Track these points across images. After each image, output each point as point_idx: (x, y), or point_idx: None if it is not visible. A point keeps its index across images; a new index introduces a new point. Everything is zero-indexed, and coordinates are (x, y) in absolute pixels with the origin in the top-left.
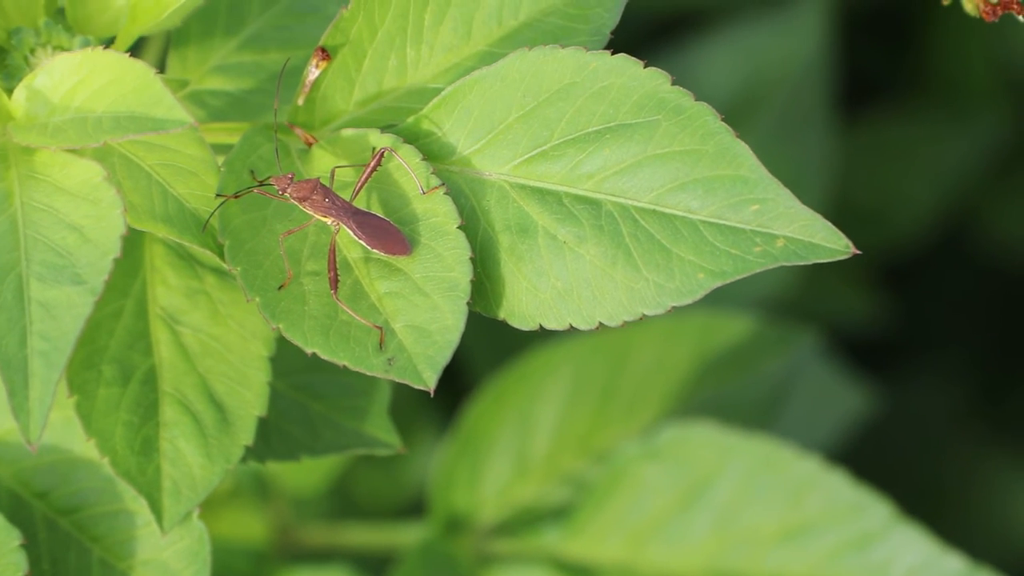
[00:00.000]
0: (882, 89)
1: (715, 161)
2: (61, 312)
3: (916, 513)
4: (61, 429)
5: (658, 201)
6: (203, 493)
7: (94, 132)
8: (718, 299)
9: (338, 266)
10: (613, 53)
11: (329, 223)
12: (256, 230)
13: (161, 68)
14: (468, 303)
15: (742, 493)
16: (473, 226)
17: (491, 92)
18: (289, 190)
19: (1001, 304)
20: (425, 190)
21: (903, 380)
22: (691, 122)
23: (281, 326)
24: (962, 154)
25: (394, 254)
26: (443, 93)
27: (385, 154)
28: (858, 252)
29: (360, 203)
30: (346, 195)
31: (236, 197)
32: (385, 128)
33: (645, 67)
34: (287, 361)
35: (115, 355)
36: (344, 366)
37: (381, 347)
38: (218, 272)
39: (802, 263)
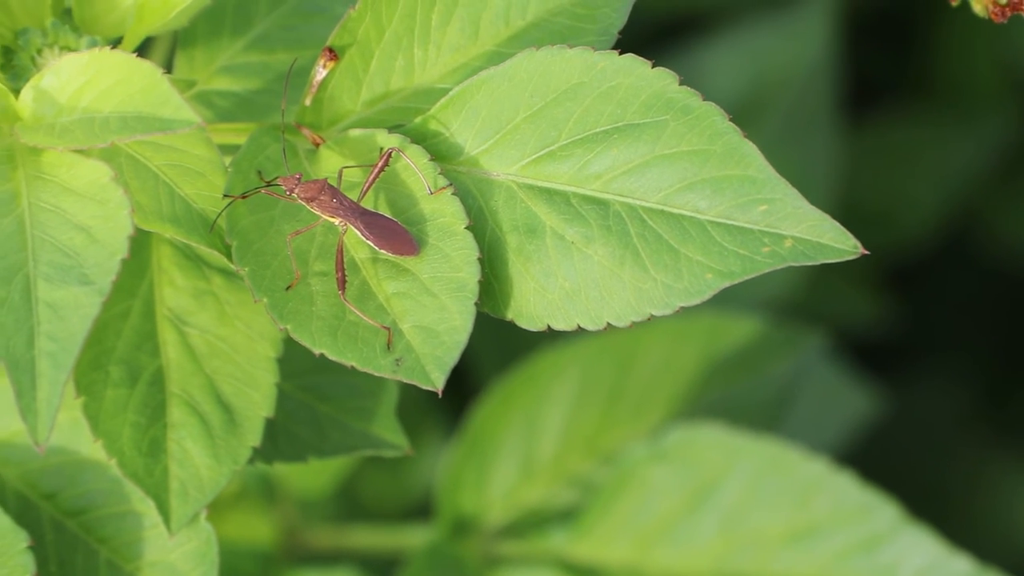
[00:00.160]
0: (887, 91)
1: (723, 161)
2: (69, 313)
3: (921, 516)
4: (68, 430)
5: (666, 201)
6: (211, 494)
7: (101, 132)
8: (724, 300)
9: (346, 267)
10: (620, 53)
11: (337, 223)
12: (263, 231)
13: (168, 68)
14: (476, 304)
15: (750, 494)
16: (481, 226)
17: (499, 92)
18: (296, 190)
19: (1006, 307)
20: (433, 190)
21: (908, 383)
22: (699, 122)
23: (289, 327)
24: (967, 157)
25: (402, 254)
26: (451, 93)
27: (393, 154)
28: (866, 252)
29: (368, 203)
30: (354, 195)
31: (243, 198)
32: (392, 128)
33: (653, 67)
34: (294, 362)
35: (122, 356)
36: (352, 367)
37: (389, 348)
38: (225, 273)
39: (810, 263)
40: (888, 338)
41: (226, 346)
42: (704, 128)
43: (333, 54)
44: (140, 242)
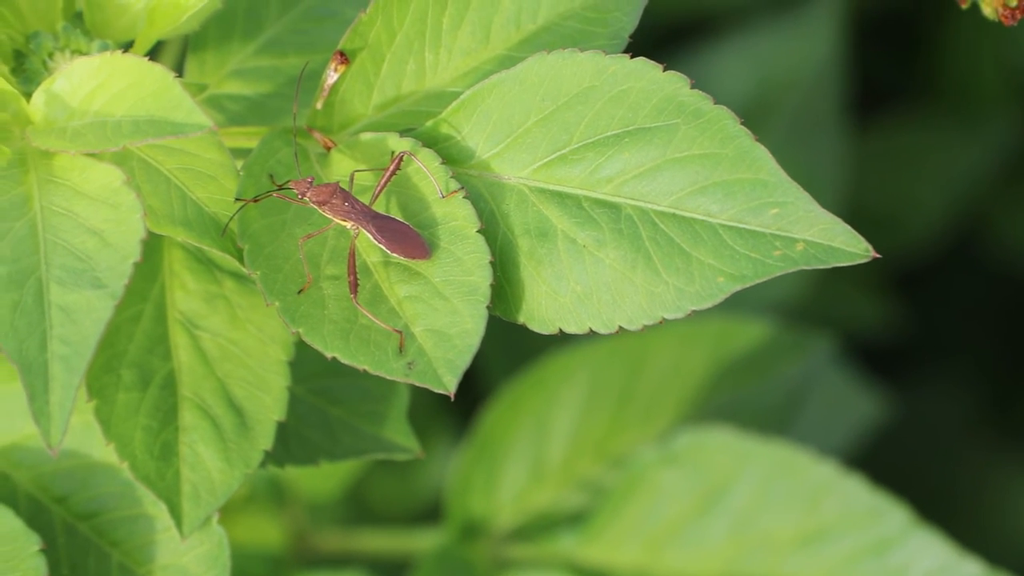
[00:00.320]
0: (893, 95)
1: (734, 165)
2: (81, 316)
3: (927, 519)
4: (80, 434)
5: (678, 205)
6: (223, 497)
7: (113, 136)
8: (732, 304)
9: (358, 270)
10: (631, 57)
11: (348, 227)
12: (275, 234)
13: (179, 72)
14: (488, 307)
15: (759, 498)
16: (492, 230)
17: (510, 96)
18: (308, 194)
19: (1012, 311)
20: (444, 194)
21: (914, 386)
22: (710, 126)
23: (301, 330)
24: (973, 160)
25: (413, 258)
26: (462, 97)
27: (404, 158)
28: (878, 256)
29: (379, 207)
30: (365, 199)
31: (255, 201)
32: (404, 132)
33: (664, 71)
34: (305, 366)
35: (134, 359)
36: (364, 370)
37: (401, 351)
38: (237, 276)
39: (822, 267)
40: (894, 342)
41: (238, 349)
42: (715, 132)
43: (344, 58)
44: (151, 246)
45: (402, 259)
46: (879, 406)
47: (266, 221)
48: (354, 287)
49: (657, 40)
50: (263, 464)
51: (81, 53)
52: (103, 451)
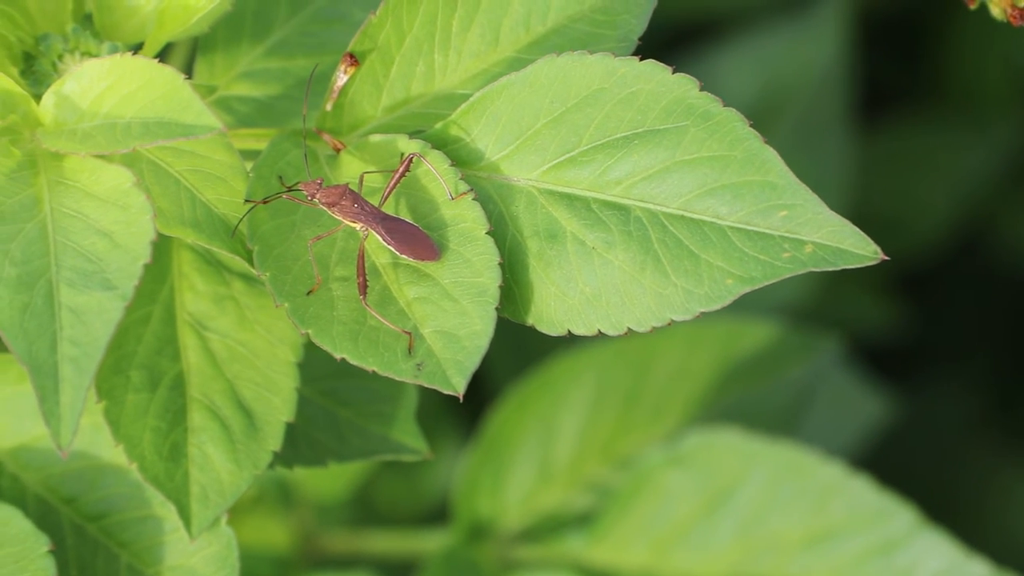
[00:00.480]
0: (899, 97)
1: (743, 167)
2: (91, 318)
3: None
4: (89, 435)
5: (687, 207)
6: (231, 498)
7: (123, 138)
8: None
9: (367, 271)
10: (640, 59)
11: (358, 228)
12: (285, 235)
13: (188, 74)
14: (497, 308)
15: (766, 499)
16: (501, 232)
17: (519, 98)
18: (318, 195)
19: (1018, 312)
20: (454, 196)
21: (919, 388)
22: (719, 128)
23: (310, 331)
24: (980, 162)
25: (423, 259)
26: (471, 99)
27: (414, 160)
28: (886, 258)
29: (388, 208)
30: (375, 201)
31: (265, 203)
32: (413, 134)
33: (673, 73)
34: (314, 367)
35: (143, 361)
36: (373, 371)
37: (410, 352)
38: (245, 278)
39: (831, 269)
40: (900, 343)
41: (246, 351)
42: (724, 134)
43: (354, 59)
44: (160, 247)
45: (411, 261)
46: (885, 407)
47: (275, 223)
48: (363, 288)
49: (662, 43)
50: (271, 465)
51: (91, 55)
52: (112, 452)
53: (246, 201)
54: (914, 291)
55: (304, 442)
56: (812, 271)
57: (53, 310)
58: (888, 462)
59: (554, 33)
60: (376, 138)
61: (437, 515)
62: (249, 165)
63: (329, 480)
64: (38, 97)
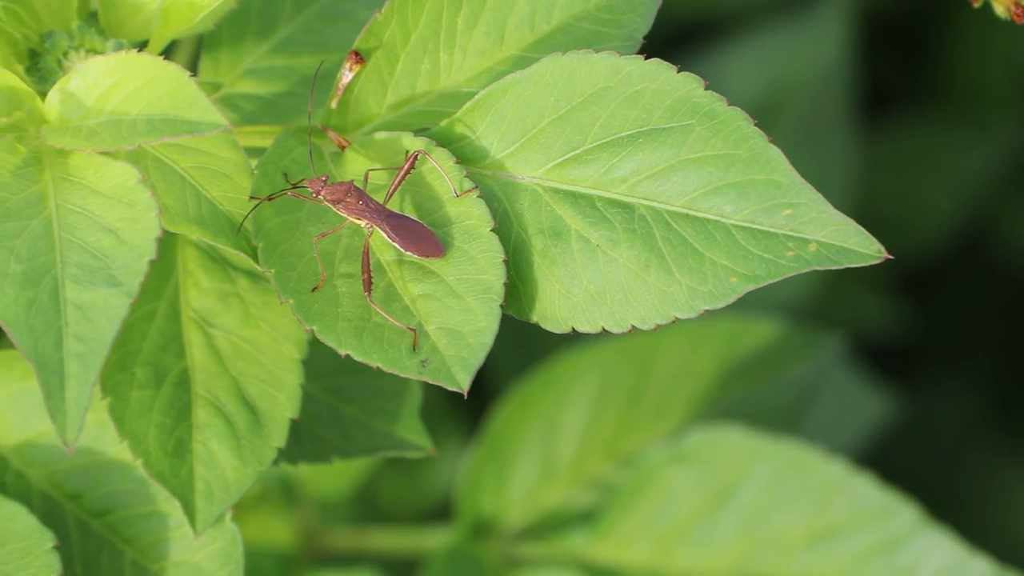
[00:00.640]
0: (901, 96)
1: (748, 166)
2: (97, 314)
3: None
4: (94, 431)
5: (691, 205)
6: (236, 495)
7: (129, 135)
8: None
9: (372, 268)
10: (645, 58)
11: (363, 225)
12: (290, 232)
13: (193, 71)
14: (501, 305)
15: (769, 497)
16: (506, 229)
17: (524, 96)
18: (323, 193)
19: (1019, 312)
20: (458, 193)
21: (921, 387)
22: (724, 127)
23: (315, 328)
24: (982, 161)
25: (427, 256)
26: (476, 97)
27: (418, 157)
28: (890, 257)
29: (393, 206)
30: (379, 198)
31: (270, 200)
32: (418, 131)
33: (678, 72)
34: (318, 364)
35: (148, 357)
36: (378, 368)
37: (415, 349)
38: (250, 275)
39: (835, 267)
40: (901, 342)
41: (251, 348)
42: (729, 133)
43: (359, 57)
44: (165, 245)
45: (416, 257)
46: (887, 406)
47: (280, 219)
48: (368, 285)
49: (665, 42)
50: (276, 462)
51: (96, 52)
52: (117, 448)
53: (251, 198)
54: (916, 291)
55: (308, 439)
56: (816, 270)
57: (59, 306)
58: (890, 461)
59: (559, 32)
60: (381, 135)
61: (440, 513)
62: (254, 162)
63: (332, 478)
64: (43, 94)
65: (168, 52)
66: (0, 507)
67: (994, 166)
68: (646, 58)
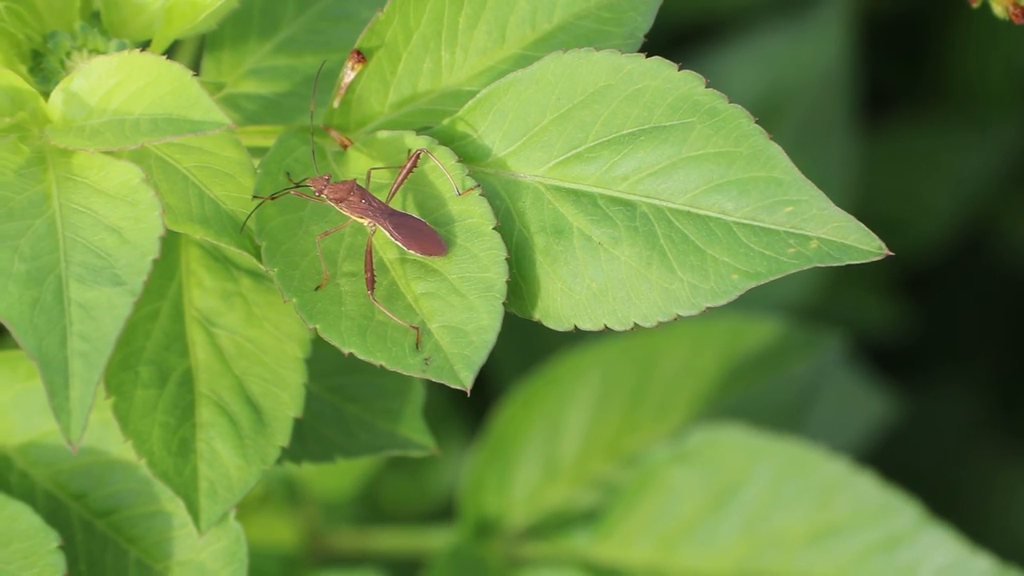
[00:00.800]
0: (901, 97)
1: (749, 163)
2: (101, 313)
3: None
4: (98, 431)
5: (693, 203)
6: (240, 494)
7: (132, 134)
8: (743, 304)
9: (375, 267)
10: (647, 57)
11: (365, 224)
12: (293, 231)
13: (196, 71)
14: (504, 303)
15: (771, 495)
16: (508, 227)
17: (526, 95)
18: (325, 192)
19: (1020, 312)
20: (461, 192)
21: (922, 387)
22: (725, 124)
23: (318, 326)
24: (982, 162)
25: (430, 255)
26: (478, 96)
27: (421, 156)
28: (891, 253)
29: (396, 204)
30: (382, 196)
31: (273, 199)
32: (420, 130)
33: (679, 70)
34: (321, 364)
35: (152, 357)
36: (381, 366)
37: (418, 347)
38: (253, 274)
39: (836, 264)
40: (902, 342)
41: (254, 347)
42: (730, 130)
43: (361, 57)
44: (168, 244)
45: (419, 256)
46: (888, 406)
47: (283, 218)
48: (371, 284)
49: (666, 43)
50: (279, 461)
51: (99, 52)
52: (121, 448)
53: (254, 197)
54: (917, 291)
55: (312, 438)
56: (817, 267)
57: (63, 305)
58: (891, 461)
59: (560, 30)
60: (383, 134)
61: (443, 513)
62: (257, 162)
63: (335, 478)
64: (46, 94)
65: (171, 52)
66: (5, 507)
67: (994, 166)
68: (647, 56)
